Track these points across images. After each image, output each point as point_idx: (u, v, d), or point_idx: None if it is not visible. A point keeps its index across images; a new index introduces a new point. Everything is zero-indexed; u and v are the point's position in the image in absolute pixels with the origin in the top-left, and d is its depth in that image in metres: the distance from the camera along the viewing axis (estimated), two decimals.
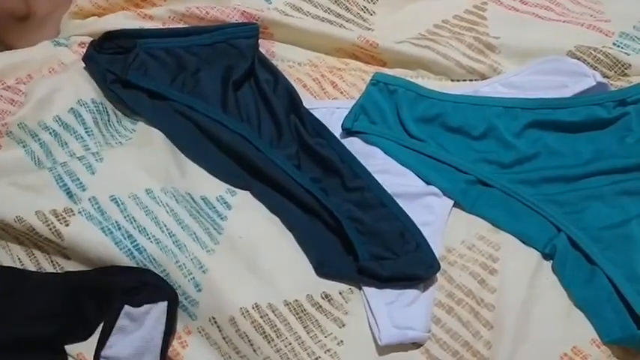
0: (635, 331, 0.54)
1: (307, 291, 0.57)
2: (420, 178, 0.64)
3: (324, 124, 0.66)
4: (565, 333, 0.56)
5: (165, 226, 0.56)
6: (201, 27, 0.71)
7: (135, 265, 0.54)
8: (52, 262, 0.56)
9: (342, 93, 0.71)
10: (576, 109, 0.65)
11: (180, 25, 0.73)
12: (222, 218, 0.60)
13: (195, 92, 0.66)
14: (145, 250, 0.55)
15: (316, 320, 0.57)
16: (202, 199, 0.61)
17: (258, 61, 0.69)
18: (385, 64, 0.74)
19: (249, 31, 0.70)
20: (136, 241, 0.55)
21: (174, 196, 0.59)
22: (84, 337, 0.54)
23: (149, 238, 0.55)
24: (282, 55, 0.74)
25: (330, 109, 0.69)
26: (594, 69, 0.70)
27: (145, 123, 0.66)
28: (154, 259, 0.55)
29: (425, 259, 0.58)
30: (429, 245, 0.58)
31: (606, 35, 0.73)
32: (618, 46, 0.72)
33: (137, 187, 0.58)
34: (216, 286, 0.55)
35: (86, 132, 0.61)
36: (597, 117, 0.65)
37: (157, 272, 0.54)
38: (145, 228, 0.56)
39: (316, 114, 0.67)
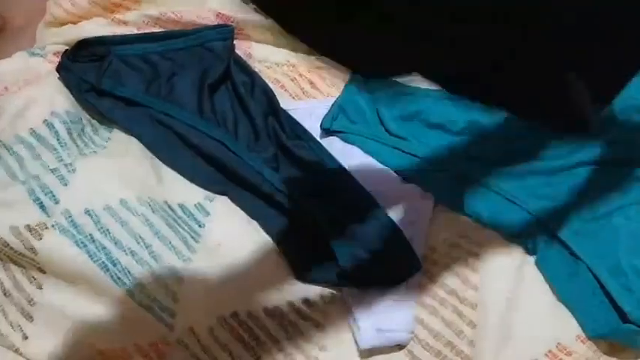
0: (620, 325, 0.53)
1: (288, 297, 0.57)
2: (401, 176, 0.63)
3: (302, 126, 0.65)
4: (549, 329, 0.56)
5: (140, 237, 0.56)
6: (175, 31, 0.70)
7: (109, 279, 0.53)
8: (29, 277, 0.55)
9: (321, 93, 0.70)
10: None
11: (155, 30, 0.72)
12: (200, 225, 0.59)
13: (170, 98, 0.65)
14: (120, 262, 0.54)
15: (297, 326, 0.56)
16: (180, 206, 0.60)
17: (234, 64, 0.68)
18: None
19: (224, 33, 0.69)
20: (110, 253, 0.54)
21: (150, 206, 0.58)
22: None
23: (124, 251, 0.55)
24: (259, 56, 0.73)
25: (308, 110, 0.68)
26: None
27: (120, 131, 0.65)
28: (129, 272, 0.54)
29: (406, 259, 0.57)
30: (410, 245, 0.58)
31: None
32: None
33: (111, 198, 0.57)
34: (193, 296, 0.55)
35: (59, 143, 0.61)
36: None
37: (132, 284, 0.54)
38: (119, 240, 0.55)
39: (295, 115, 0.66)
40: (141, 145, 0.64)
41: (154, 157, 0.63)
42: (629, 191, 0.60)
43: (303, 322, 0.56)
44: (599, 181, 0.61)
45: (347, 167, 0.62)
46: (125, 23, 0.72)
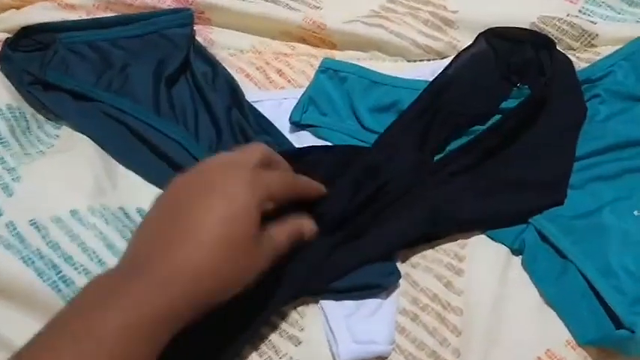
0: (612, 331, 0.50)
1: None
2: None
3: (269, 120, 0.60)
4: (538, 335, 0.53)
5: (94, 252, 0.51)
6: (128, 16, 0.64)
7: (61, 302, 0.48)
8: None
9: (289, 81, 0.65)
10: None
11: (107, 15, 0.66)
12: None
13: (123, 91, 0.59)
14: (73, 282, 0.49)
15: (269, 340, 0.52)
16: (138, 211, 0.55)
17: (194, 52, 0.62)
18: (335, 47, 0.68)
19: (183, 18, 0.63)
20: (61, 272, 0.49)
21: (103, 216, 0.53)
22: None
23: (76, 268, 0.50)
24: (221, 42, 0.67)
25: (276, 101, 0.63)
26: (559, 41, 0.65)
27: (69, 127, 0.59)
28: None
29: (384, 267, 0.53)
30: None
31: (571, 2, 0.68)
32: (584, 14, 0.67)
33: (60, 208, 0.52)
34: None
35: (1, 143, 0.55)
36: None
37: None
38: (70, 256, 0.50)
39: (261, 107, 0.61)
40: (92, 143, 0.58)
41: (106, 156, 0.58)
42: (619, 185, 0.57)
43: (275, 336, 0.52)
44: (587, 174, 0.57)
45: None
46: (73, 7, 0.66)
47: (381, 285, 0.53)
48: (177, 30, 0.63)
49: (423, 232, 0.55)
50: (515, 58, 0.59)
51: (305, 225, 0.48)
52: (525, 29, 0.61)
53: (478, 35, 0.60)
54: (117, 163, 0.58)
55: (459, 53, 0.60)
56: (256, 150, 0.44)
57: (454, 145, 0.58)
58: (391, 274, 0.53)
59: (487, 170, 0.56)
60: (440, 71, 0.63)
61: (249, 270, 0.40)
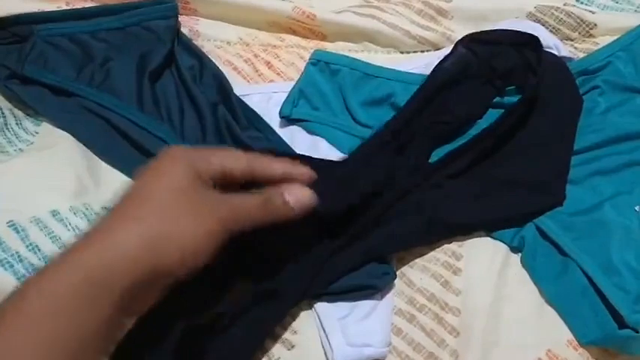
0: (614, 331, 0.49)
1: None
2: None
3: (258, 114, 0.57)
4: (538, 335, 0.51)
5: None
6: (110, 6, 0.61)
7: None
8: None
9: (278, 74, 0.63)
10: None
11: (87, 5, 0.63)
12: None
13: (105, 86, 0.57)
14: None
15: (262, 345, 0.50)
16: None
17: (179, 45, 0.60)
18: (326, 38, 0.65)
19: (167, 10, 0.61)
20: None
21: (85, 216, 0.50)
22: None
23: None
24: (208, 33, 0.65)
25: (265, 95, 0.61)
26: (556, 31, 0.63)
27: (49, 123, 0.57)
28: None
29: (379, 267, 0.51)
30: None
31: None
32: (582, 3, 0.65)
33: (40, 208, 0.49)
34: None
35: None
36: None
37: None
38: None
39: (250, 101, 0.59)
40: (73, 140, 0.56)
41: (89, 153, 0.56)
42: (619, 179, 0.55)
43: (268, 340, 0.50)
44: (587, 168, 0.56)
45: None
46: None
47: (375, 286, 0.51)
48: (160, 22, 0.60)
49: (419, 237, 0.53)
50: (498, 61, 0.57)
51: (275, 196, 0.43)
52: (505, 31, 0.58)
53: (456, 43, 0.57)
54: (99, 161, 0.56)
55: (439, 63, 0.57)
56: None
57: (445, 149, 0.56)
58: (385, 275, 0.51)
59: (484, 172, 0.54)
60: (435, 65, 0.61)
61: (199, 230, 0.38)
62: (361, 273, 0.51)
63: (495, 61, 0.57)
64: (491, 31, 0.59)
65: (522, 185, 0.54)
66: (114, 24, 0.60)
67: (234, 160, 0.42)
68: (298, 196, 0.43)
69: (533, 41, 0.55)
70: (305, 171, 0.44)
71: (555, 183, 0.55)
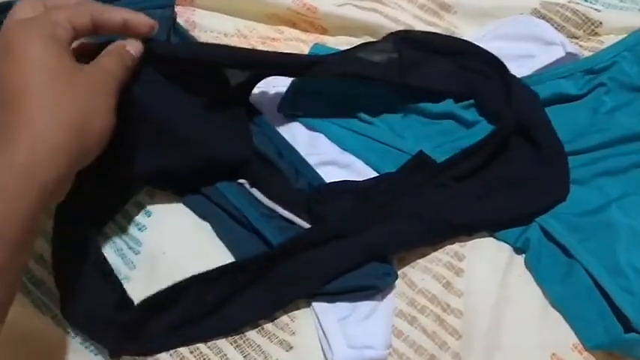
0: (621, 335, 0.48)
1: None
2: (371, 168, 0.55)
3: (257, 109, 0.56)
4: (542, 338, 0.50)
5: None
6: None
7: (30, 304, 0.44)
8: None
9: None
10: (542, 85, 0.57)
11: None
12: (140, 229, 0.50)
13: None
14: (44, 283, 0.45)
15: (258, 346, 0.48)
16: None
17: (175, 36, 0.58)
18: (326, 32, 0.64)
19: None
20: (31, 271, 0.45)
21: None
22: None
23: (47, 268, 0.46)
24: (204, 24, 0.63)
25: (264, 90, 0.59)
26: (561, 29, 0.62)
27: None
28: (55, 295, 0.45)
29: (380, 267, 0.50)
30: None
31: None
32: (587, 1, 0.64)
33: None
34: None
35: None
36: (565, 93, 0.57)
37: (58, 312, 0.44)
38: (41, 255, 0.46)
39: None
40: None
41: None
42: (626, 180, 0.54)
43: (265, 341, 0.49)
44: (594, 169, 0.55)
45: (311, 157, 0.54)
46: None
47: (376, 286, 0.50)
48: (157, 12, 0.58)
49: (422, 237, 0.51)
50: (423, 67, 0.55)
51: (127, 45, 0.45)
52: (446, 38, 0.57)
53: (388, 35, 0.56)
54: None
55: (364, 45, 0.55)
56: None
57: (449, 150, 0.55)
58: (387, 275, 0.50)
59: (488, 173, 0.53)
60: None
61: (84, 99, 0.39)
62: (361, 273, 0.49)
63: (419, 67, 0.55)
64: (430, 34, 0.57)
65: (525, 183, 0.53)
66: None
67: (80, 17, 0.42)
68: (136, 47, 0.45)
69: (500, 68, 0.54)
70: (142, 19, 0.45)
71: (557, 177, 0.54)
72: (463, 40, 0.57)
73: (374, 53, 0.54)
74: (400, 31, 0.56)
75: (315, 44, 0.60)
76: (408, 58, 0.54)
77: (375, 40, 0.57)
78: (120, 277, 0.47)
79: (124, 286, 0.46)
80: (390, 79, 0.54)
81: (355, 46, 0.54)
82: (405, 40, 0.55)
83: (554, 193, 0.54)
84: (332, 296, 0.49)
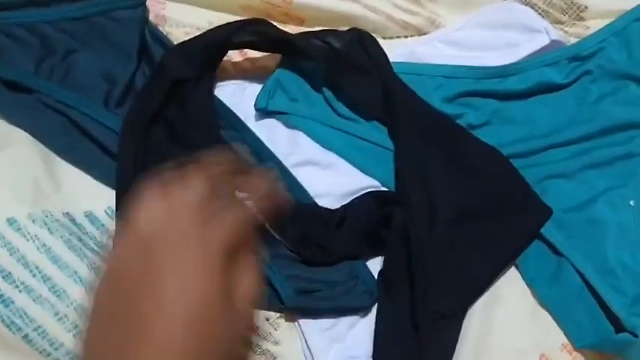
0: (611, 334, 0.47)
1: None
2: (353, 166, 0.53)
3: (232, 111, 0.54)
4: (531, 339, 0.50)
5: (36, 267, 0.45)
6: None
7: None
8: None
9: (254, 64, 0.59)
10: (526, 73, 0.55)
11: None
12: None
13: (68, 82, 0.52)
14: (13, 302, 0.43)
15: (241, 357, 0.47)
16: (87, 216, 0.49)
17: (150, 37, 0.55)
18: (304, 22, 0.61)
19: None
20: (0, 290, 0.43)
21: (45, 224, 0.46)
22: None
23: (16, 286, 0.44)
24: (175, 18, 0.60)
25: (240, 86, 0.57)
26: (546, 14, 0.60)
27: (5, 121, 0.52)
28: (26, 314, 0.43)
29: (364, 289, 0.49)
30: (367, 270, 0.49)
31: None
32: None
33: None
34: None
35: None
36: (550, 82, 0.55)
37: (29, 331, 0.42)
38: (10, 273, 0.44)
39: (224, 93, 0.55)
40: (32, 140, 0.52)
41: (48, 153, 0.51)
42: (612, 172, 0.53)
43: (248, 352, 0.47)
44: (580, 161, 0.53)
45: (290, 158, 0.52)
46: None
47: (362, 307, 0.48)
48: (127, 12, 0.55)
49: None
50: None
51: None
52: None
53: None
54: (60, 162, 0.52)
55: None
56: (196, 190, 0.31)
57: None
58: (371, 294, 0.48)
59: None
60: (418, 49, 0.58)
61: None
62: (346, 296, 0.48)
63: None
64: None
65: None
66: (76, 13, 0.55)
67: (235, 229, 0.32)
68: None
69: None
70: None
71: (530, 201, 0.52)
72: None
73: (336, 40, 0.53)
74: (362, 31, 0.55)
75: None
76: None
77: None
78: None
79: None
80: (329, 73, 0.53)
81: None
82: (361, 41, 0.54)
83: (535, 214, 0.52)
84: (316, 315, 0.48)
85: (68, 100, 0.51)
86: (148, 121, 0.49)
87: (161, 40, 0.56)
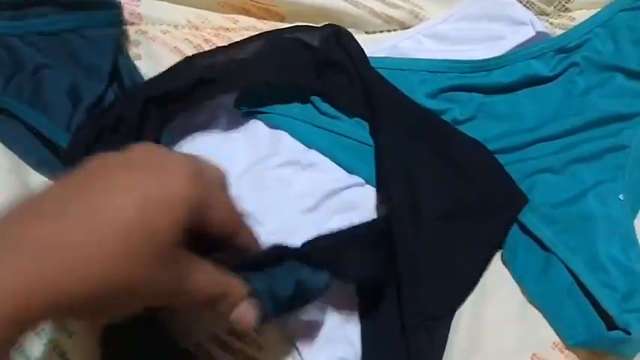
0: (602, 332, 0.46)
1: (210, 329, 0.46)
2: (338, 165, 0.52)
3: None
4: (522, 338, 0.48)
5: None
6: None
7: None
8: None
9: None
10: (512, 66, 0.54)
11: None
12: None
13: (36, 100, 0.50)
14: None
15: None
16: None
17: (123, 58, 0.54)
18: (284, 19, 0.60)
19: (110, 17, 0.54)
20: None
21: None
22: None
23: None
24: (151, 16, 0.58)
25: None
26: (531, 6, 0.59)
27: None
28: None
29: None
30: None
31: None
32: None
33: None
34: (88, 350, 0.43)
35: None
36: (536, 75, 0.54)
37: None
38: None
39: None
40: (7, 152, 0.51)
41: (22, 171, 0.50)
42: (601, 166, 0.52)
43: (231, 358, 0.46)
44: (567, 155, 0.52)
45: (273, 158, 0.51)
46: None
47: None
48: (100, 31, 0.53)
49: None
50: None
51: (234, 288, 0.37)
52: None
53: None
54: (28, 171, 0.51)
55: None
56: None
57: None
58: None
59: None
60: (402, 44, 0.57)
61: (132, 291, 0.30)
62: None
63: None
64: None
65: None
66: (47, 27, 0.53)
67: (227, 208, 0.35)
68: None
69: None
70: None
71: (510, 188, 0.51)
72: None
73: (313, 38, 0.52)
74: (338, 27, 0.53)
75: None
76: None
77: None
78: None
79: None
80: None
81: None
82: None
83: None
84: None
85: (35, 124, 0.50)
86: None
87: (130, 69, 0.54)
